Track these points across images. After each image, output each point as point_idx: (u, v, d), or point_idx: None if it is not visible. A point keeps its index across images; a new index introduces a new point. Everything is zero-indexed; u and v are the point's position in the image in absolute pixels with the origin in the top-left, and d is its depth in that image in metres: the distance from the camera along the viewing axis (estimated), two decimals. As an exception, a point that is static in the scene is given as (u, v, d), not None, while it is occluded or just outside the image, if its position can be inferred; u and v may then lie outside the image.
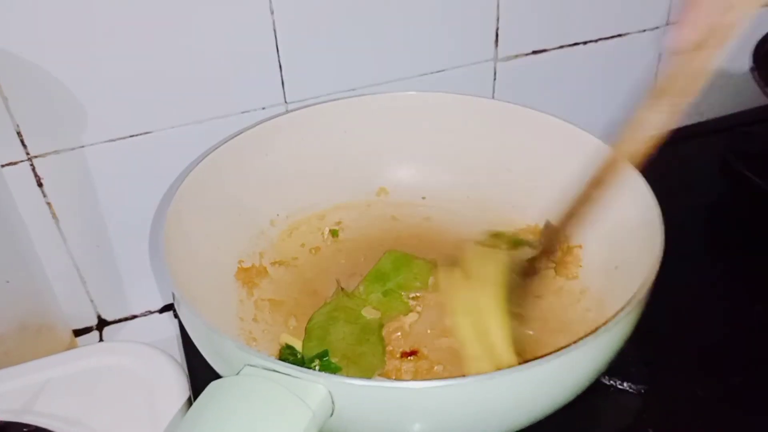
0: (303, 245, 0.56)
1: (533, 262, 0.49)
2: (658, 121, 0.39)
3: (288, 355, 0.48)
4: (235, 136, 0.53)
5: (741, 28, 0.35)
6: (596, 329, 0.37)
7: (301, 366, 0.37)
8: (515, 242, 0.55)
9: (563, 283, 0.52)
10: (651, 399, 0.47)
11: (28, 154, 0.52)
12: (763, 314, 0.54)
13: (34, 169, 0.53)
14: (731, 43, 0.36)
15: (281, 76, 0.56)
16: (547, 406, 0.39)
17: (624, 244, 0.48)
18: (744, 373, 0.49)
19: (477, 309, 0.46)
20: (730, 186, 0.67)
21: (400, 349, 0.48)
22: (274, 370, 0.36)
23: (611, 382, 0.47)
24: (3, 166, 0.52)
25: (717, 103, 0.75)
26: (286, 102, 0.58)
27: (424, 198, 0.59)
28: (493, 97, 0.65)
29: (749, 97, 0.68)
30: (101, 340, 0.62)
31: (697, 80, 0.37)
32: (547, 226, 0.50)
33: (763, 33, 0.66)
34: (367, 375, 0.45)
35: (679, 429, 0.46)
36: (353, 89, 0.59)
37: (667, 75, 0.38)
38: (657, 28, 0.67)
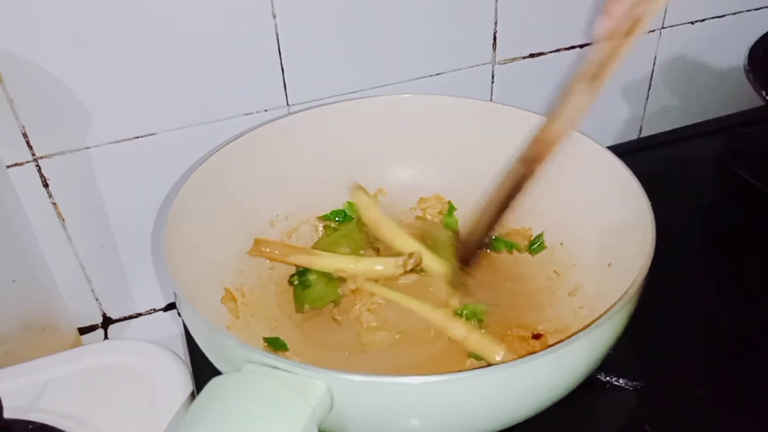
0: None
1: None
2: (581, 103, 0.43)
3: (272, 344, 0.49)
4: (236, 138, 0.53)
5: (652, 20, 0.40)
6: (588, 325, 0.38)
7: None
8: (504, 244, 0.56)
9: (557, 280, 0.53)
10: (647, 396, 0.47)
11: (33, 155, 0.53)
12: (760, 313, 0.54)
13: (39, 170, 0.53)
14: (644, 32, 0.40)
15: (283, 78, 0.57)
16: (542, 401, 0.40)
17: (616, 242, 0.48)
18: (739, 370, 0.50)
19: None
20: (727, 186, 0.67)
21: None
22: (275, 367, 0.36)
23: (607, 378, 0.48)
24: (9, 166, 0.52)
25: (714, 104, 0.76)
26: (288, 104, 0.58)
27: (421, 199, 0.60)
28: (491, 100, 0.65)
29: (746, 98, 0.69)
30: (106, 338, 0.63)
31: (614, 64, 0.41)
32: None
33: (759, 35, 0.66)
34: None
35: (675, 426, 0.46)
36: (354, 92, 0.60)
37: (590, 60, 0.42)
38: (653, 30, 0.68)
